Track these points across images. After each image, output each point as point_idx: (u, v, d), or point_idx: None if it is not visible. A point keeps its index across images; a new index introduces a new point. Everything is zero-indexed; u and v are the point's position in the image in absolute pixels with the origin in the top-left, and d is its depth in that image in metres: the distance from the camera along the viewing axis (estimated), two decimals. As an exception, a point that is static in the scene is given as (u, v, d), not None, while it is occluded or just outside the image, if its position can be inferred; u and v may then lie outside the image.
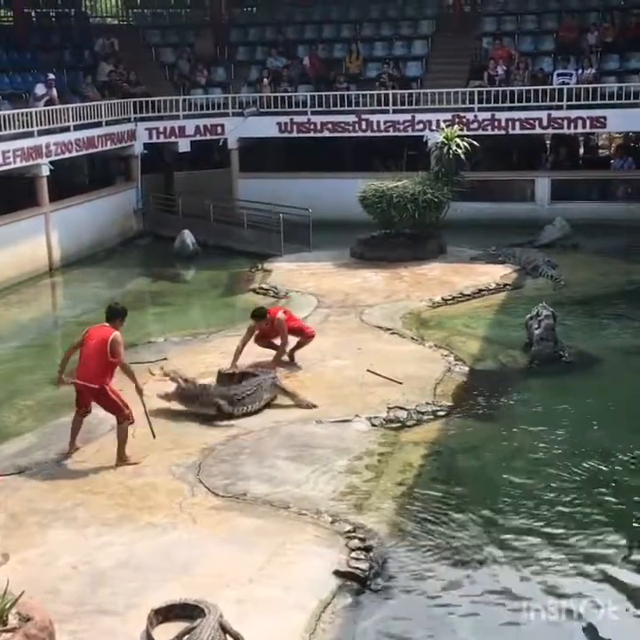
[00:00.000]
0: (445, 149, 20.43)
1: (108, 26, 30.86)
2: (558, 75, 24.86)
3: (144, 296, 19.78)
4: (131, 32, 29.69)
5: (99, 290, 19.69)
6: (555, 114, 23.86)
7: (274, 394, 11.85)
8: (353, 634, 7.34)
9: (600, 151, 29.04)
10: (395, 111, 24.65)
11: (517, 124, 24.06)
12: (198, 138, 25.28)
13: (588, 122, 23.89)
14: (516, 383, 13.06)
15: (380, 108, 24.74)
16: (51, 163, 20.96)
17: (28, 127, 20.41)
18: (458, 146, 20.27)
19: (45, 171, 20.78)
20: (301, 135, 25.20)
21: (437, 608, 7.68)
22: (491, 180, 24.59)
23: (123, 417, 10.29)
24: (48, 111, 21.13)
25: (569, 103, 23.74)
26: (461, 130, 21.43)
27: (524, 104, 23.93)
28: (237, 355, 12.89)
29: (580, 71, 24.61)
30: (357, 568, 8.02)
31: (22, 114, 20.44)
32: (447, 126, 21.37)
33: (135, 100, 24.40)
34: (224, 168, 25.88)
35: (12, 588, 6.57)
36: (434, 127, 23.01)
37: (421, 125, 24.29)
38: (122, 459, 10.23)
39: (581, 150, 27.91)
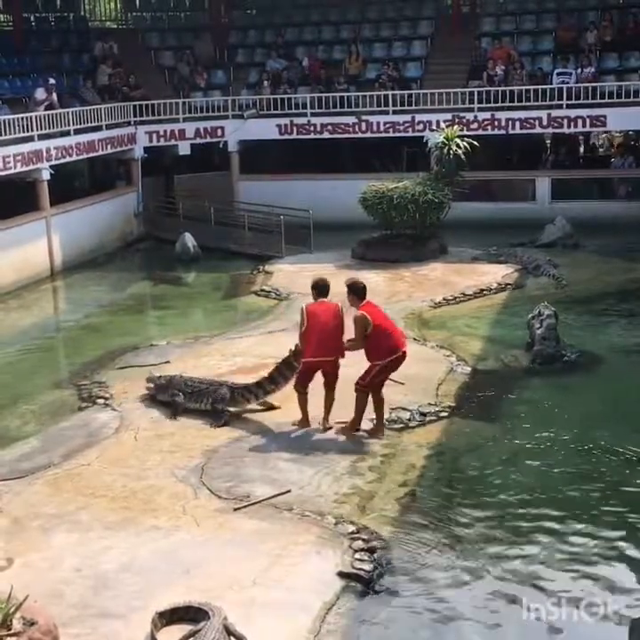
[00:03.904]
0: (445, 150, 20.44)
1: (107, 29, 30.79)
2: (557, 74, 24.85)
3: (145, 299, 19.79)
4: (130, 35, 29.68)
5: (100, 294, 19.71)
6: (554, 113, 23.86)
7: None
8: (357, 635, 7.33)
9: (600, 150, 29.03)
10: (394, 112, 24.66)
11: (517, 123, 24.06)
12: (198, 141, 25.29)
13: (587, 121, 23.89)
14: (519, 383, 13.04)
15: (379, 108, 24.74)
16: (51, 167, 20.98)
17: (28, 132, 20.44)
18: (458, 146, 20.28)
19: (46, 175, 20.79)
20: (301, 137, 25.21)
21: (441, 609, 7.66)
22: (491, 180, 24.60)
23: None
24: (48, 115, 21.14)
25: (568, 102, 23.74)
26: (461, 130, 21.45)
27: (523, 104, 23.92)
28: None
29: (579, 70, 24.59)
30: (361, 569, 8.01)
31: (22, 118, 20.46)
32: (447, 127, 21.39)
33: (135, 103, 24.41)
34: (224, 170, 25.89)
35: (15, 592, 6.59)
36: (434, 128, 23.00)
37: (421, 126, 24.27)
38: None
39: (581, 149, 27.90)
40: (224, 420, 11.32)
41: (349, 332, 10.75)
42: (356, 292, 10.73)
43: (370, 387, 10.77)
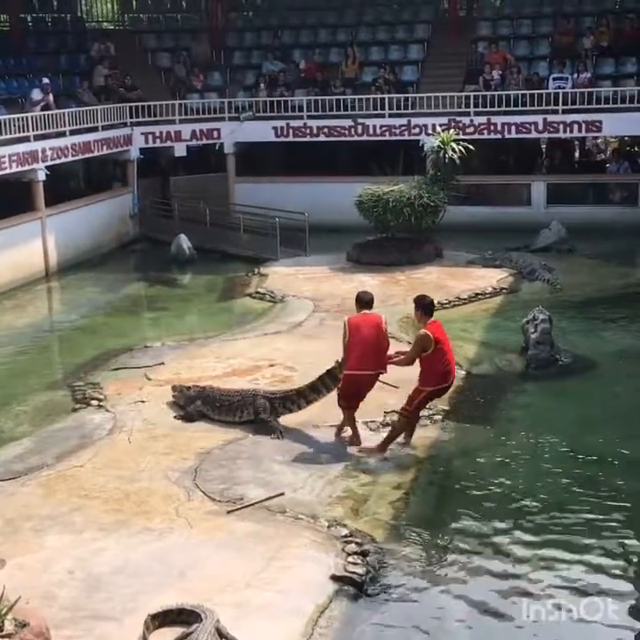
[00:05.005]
0: (441, 154, 20.46)
1: (104, 30, 30.75)
2: (554, 79, 24.87)
3: (140, 301, 19.76)
4: (127, 37, 29.64)
5: (95, 295, 19.68)
6: (550, 118, 23.87)
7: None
8: (350, 638, 7.32)
9: (597, 155, 29.08)
10: (391, 115, 24.68)
11: (513, 128, 24.08)
12: (194, 142, 25.30)
13: (583, 126, 23.92)
14: (513, 387, 13.06)
15: (376, 111, 24.76)
16: (47, 168, 20.95)
17: (24, 132, 20.40)
18: (454, 150, 20.30)
19: (41, 176, 20.76)
20: (297, 139, 25.21)
21: (434, 612, 7.67)
22: (487, 185, 24.63)
23: None
24: (44, 116, 21.12)
25: (564, 107, 23.75)
26: (457, 134, 21.49)
27: (519, 108, 23.94)
28: None
29: (575, 75, 24.63)
30: (354, 572, 8.00)
31: (18, 119, 20.43)
32: (443, 130, 21.42)
33: (131, 104, 24.38)
34: (220, 172, 25.89)
35: (8, 594, 6.58)
36: (430, 131, 23.03)
37: (417, 129, 24.30)
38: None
39: (577, 154, 27.96)
40: (278, 429, 11.05)
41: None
42: (424, 307, 10.43)
43: (415, 414, 10.53)
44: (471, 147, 20.50)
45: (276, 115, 25.23)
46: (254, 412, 11.23)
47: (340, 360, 10.71)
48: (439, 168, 20.68)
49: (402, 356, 10.49)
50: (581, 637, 7.41)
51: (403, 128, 24.58)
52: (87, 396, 12.61)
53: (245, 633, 7.05)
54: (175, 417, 11.62)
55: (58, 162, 21.54)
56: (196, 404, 11.60)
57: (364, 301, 10.72)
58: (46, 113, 21.31)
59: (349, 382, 10.60)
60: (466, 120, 23.95)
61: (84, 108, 22.85)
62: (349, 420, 10.78)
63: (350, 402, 10.73)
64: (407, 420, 10.48)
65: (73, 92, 24.75)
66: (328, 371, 10.95)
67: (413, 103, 24.73)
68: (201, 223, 23.10)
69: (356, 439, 10.73)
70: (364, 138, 24.92)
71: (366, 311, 10.66)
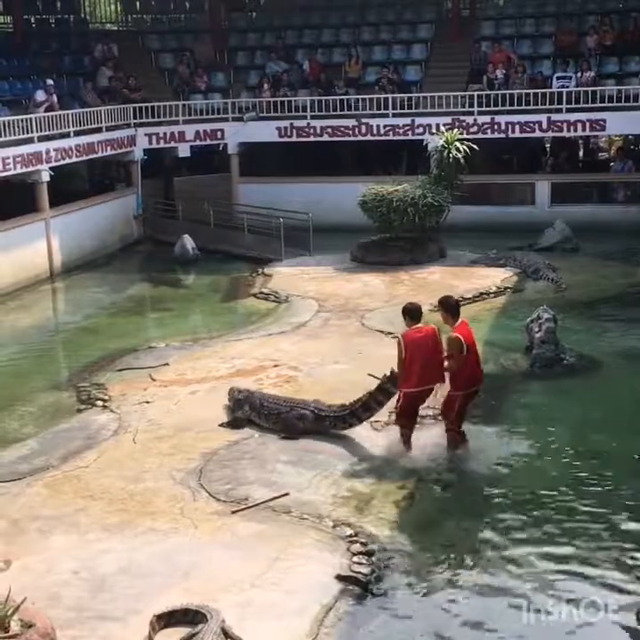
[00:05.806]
0: (445, 153, 20.45)
1: (107, 31, 30.84)
2: (557, 78, 24.87)
3: (144, 301, 19.79)
4: (130, 38, 29.67)
5: (99, 295, 19.69)
6: (554, 117, 23.87)
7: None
8: (355, 638, 7.32)
9: (598, 154, 29.08)
10: (394, 115, 24.68)
11: (517, 127, 24.07)
12: (198, 143, 25.31)
13: (587, 125, 23.91)
14: (517, 386, 13.05)
15: (379, 111, 24.76)
16: (51, 169, 20.98)
17: (28, 133, 20.44)
18: (458, 149, 20.29)
19: (46, 177, 20.78)
20: (301, 140, 25.22)
21: (439, 612, 7.66)
22: (491, 184, 24.60)
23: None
24: (48, 117, 21.15)
25: (568, 106, 23.73)
26: (461, 133, 21.49)
27: (523, 107, 23.94)
28: None
29: (579, 74, 24.62)
30: (359, 572, 8.01)
31: (22, 120, 20.46)
32: (447, 130, 21.42)
33: (135, 105, 24.42)
34: (224, 173, 25.91)
35: (13, 595, 6.60)
36: (434, 131, 23.03)
37: (421, 129, 24.28)
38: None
39: (581, 153, 27.94)
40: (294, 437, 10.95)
41: None
42: (449, 308, 10.31)
43: (457, 422, 10.40)
44: (475, 146, 20.51)
45: (280, 115, 25.23)
46: (284, 421, 11.05)
47: (388, 374, 10.47)
48: (443, 168, 20.67)
49: (449, 364, 10.27)
50: (582, 638, 7.40)
51: (406, 128, 24.57)
52: (92, 396, 12.64)
53: (250, 633, 7.06)
54: (220, 425, 11.40)
55: (62, 163, 21.56)
56: (243, 410, 11.43)
57: (414, 314, 10.44)
58: (50, 114, 21.34)
59: (412, 399, 10.41)
60: (469, 119, 23.96)
61: (87, 109, 22.89)
62: (406, 439, 10.53)
63: (411, 420, 10.55)
64: (456, 432, 10.41)
65: (77, 93, 24.76)
66: (378, 386, 10.66)
67: (417, 103, 24.72)
68: (205, 224, 23.13)
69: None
70: (368, 138, 24.91)
71: (418, 325, 10.38)
